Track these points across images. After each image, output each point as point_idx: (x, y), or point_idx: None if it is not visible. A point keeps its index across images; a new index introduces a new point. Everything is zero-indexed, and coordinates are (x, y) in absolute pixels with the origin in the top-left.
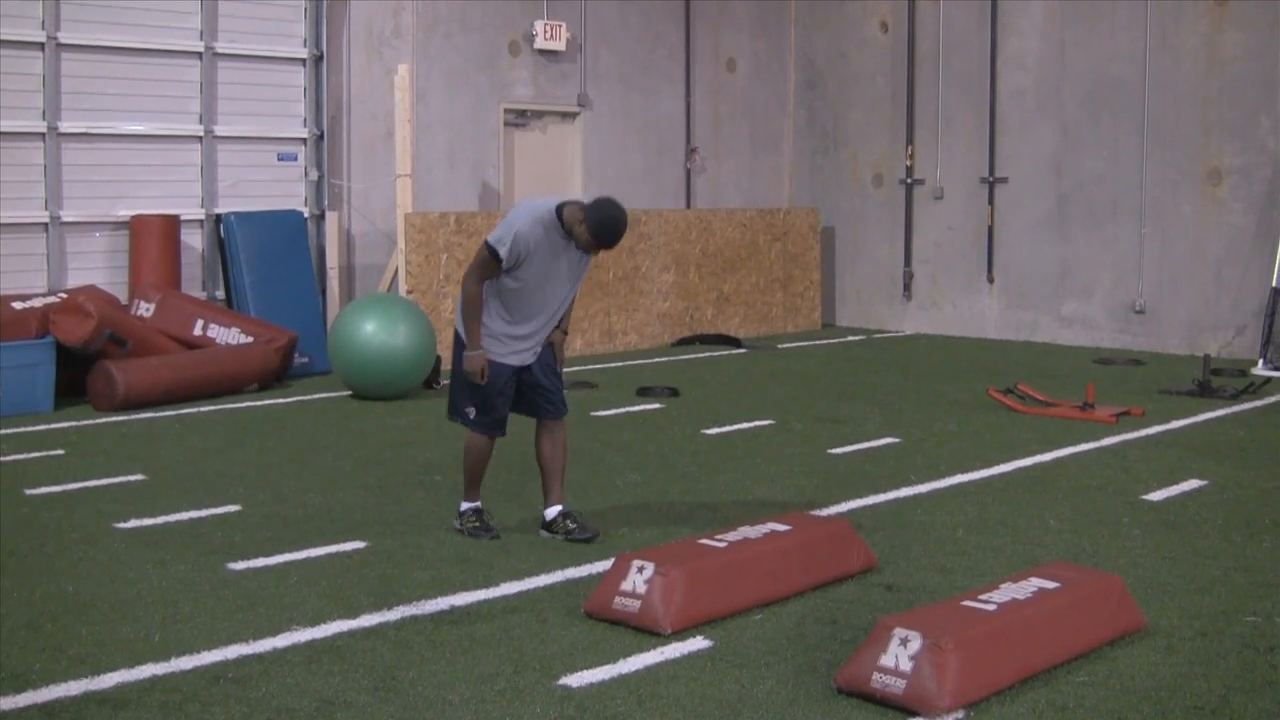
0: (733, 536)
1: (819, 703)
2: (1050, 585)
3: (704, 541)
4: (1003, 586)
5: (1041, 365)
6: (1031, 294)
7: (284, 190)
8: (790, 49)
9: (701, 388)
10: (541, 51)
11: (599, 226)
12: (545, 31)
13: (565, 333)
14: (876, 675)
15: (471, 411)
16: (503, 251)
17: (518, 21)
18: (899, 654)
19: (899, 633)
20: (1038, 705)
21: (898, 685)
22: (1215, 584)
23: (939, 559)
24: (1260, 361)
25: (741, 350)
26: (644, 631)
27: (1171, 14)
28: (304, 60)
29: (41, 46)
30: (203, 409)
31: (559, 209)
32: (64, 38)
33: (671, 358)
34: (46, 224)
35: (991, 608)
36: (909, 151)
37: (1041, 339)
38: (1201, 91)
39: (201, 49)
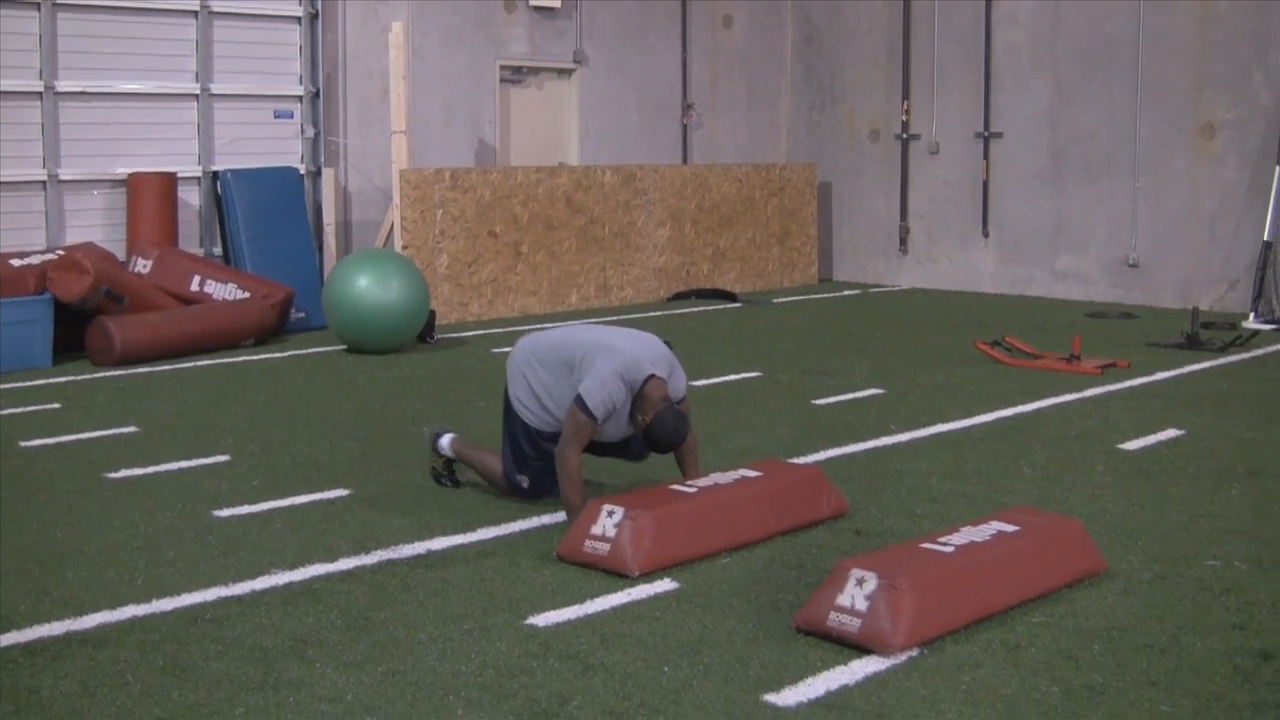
0: (703, 482)
1: (778, 641)
2: (1009, 529)
3: (674, 487)
4: (962, 530)
5: (1034, 319)
6: (1026, 248)
7: (281, 147)
8: (787, 5)
9: (693, 340)
10: (537, 8)
11: (653, 440)
12: None
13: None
14: (833, 615)
15: (524, 481)
16: (597, 414)
17: None
18: (855, 594)
19: (856, 573)
20: (991, 644)
21: (853, 624)
22: (1180, 530)
23: (910, 505)
24: (1251, 315)
25: (737, 305)
26: (613, 574)
27: None
28: (299, 18)
29: (38, 6)
30: (199, 363)
31: (648, 379)
32: None
33: (666, 312)
34: (45, 182)
35: (949, 550)
36: (905, 107)
37: (1036, 293)
38: (1195, 46)
39: (197, 7)
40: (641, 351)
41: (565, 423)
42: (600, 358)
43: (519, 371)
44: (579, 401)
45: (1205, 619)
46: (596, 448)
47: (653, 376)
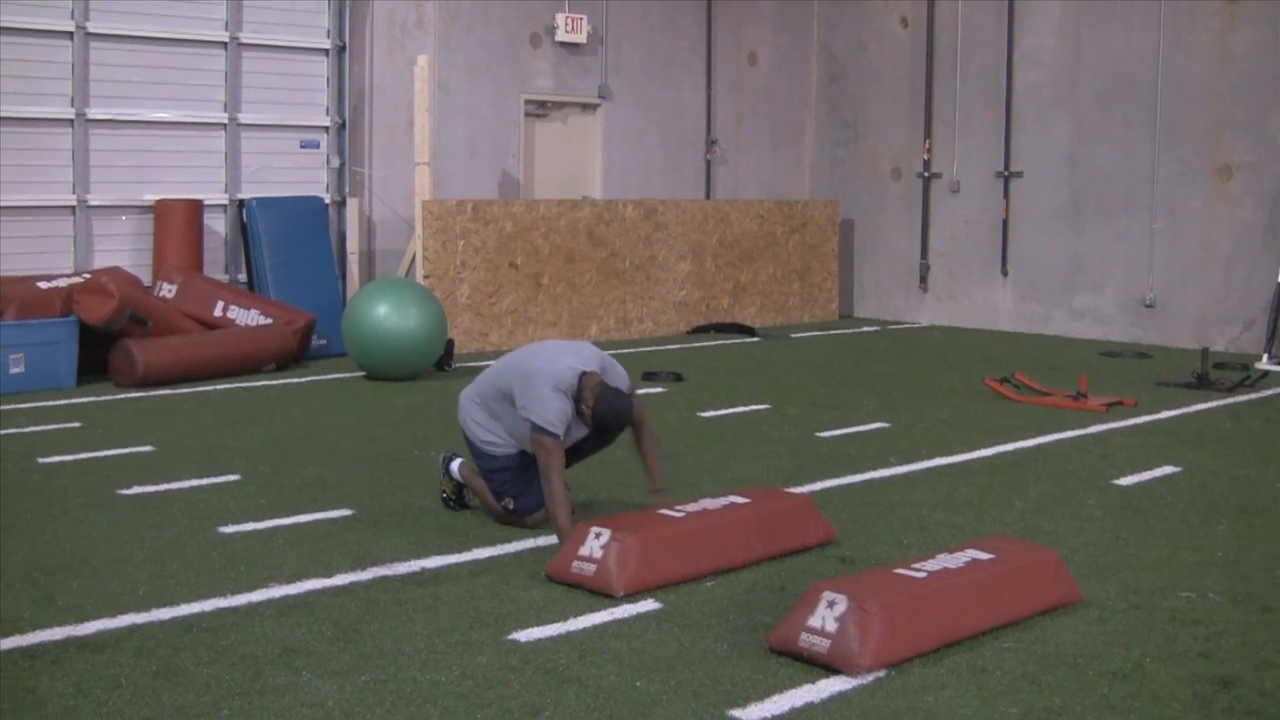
0: (692, 507)
1: (750, 660)
2: (984, 556)
3: (663, 511)
4: (938, 557)
5: (1050, 357)
6: (1044, 287)
7: (306, 177)
8: (813, 43)
9: (707, 373)
10: (563, 44)
11: (603, 420)
12: (566, 24)
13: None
14: (804, 635)
15: (511, 502)
16: (558, 430)
17: (539, 14)
18: (826, 615)
19: (827, 595)
20: (958, 667)
21: (823, 645)
22: (1161, 562)
23: (899, 534)
24: (1265, 356)
25: (755, 339)
26: (598, 594)
27: (1184, 11)
28: (327, 50)
29: (71, 35)
30: (219, 387)
31: (580, 376)
32: (92, 27)
33: (684, 345)
34: (74, 207)
35: (921, 575)
36: (927, 145)
37: (1054, 331)
38: (1213, 88)
39: (227, 39)
40: (564, 359)
41: (538, 454)
42: (533, 383)
43: (470, 417)
44: (537, 429)
45: (1172, 648)
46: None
47: (583, 374)
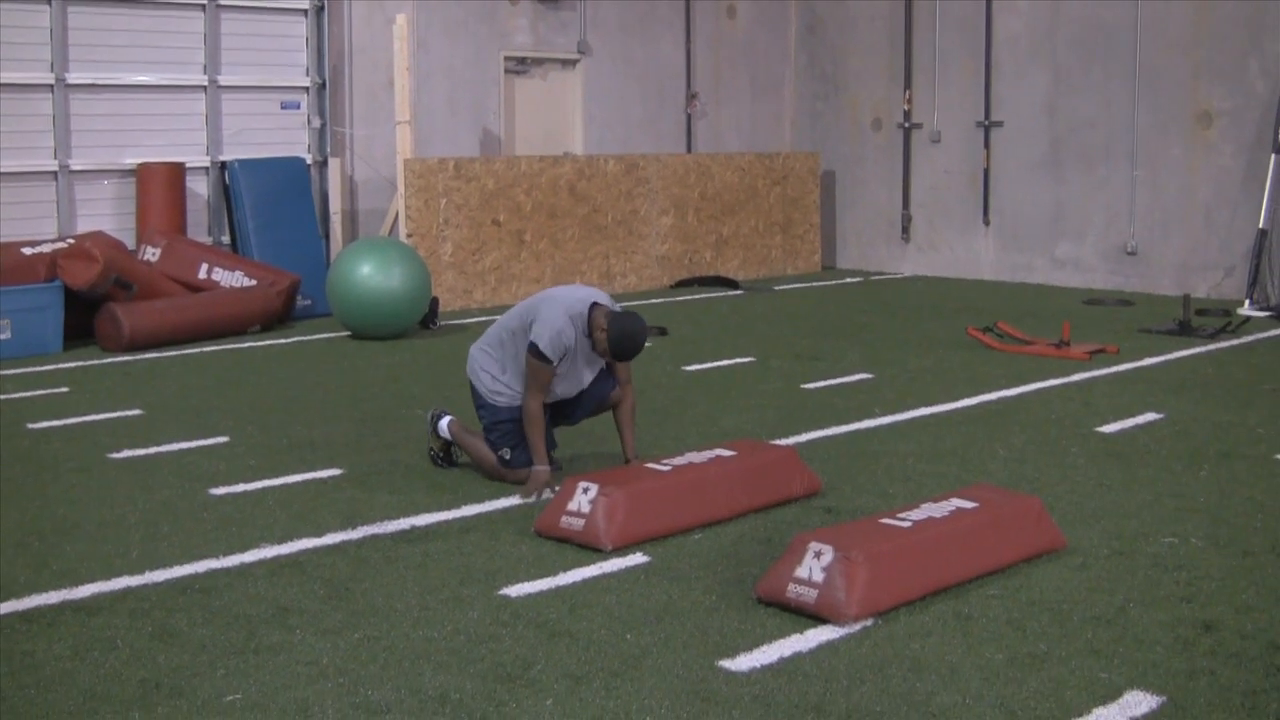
0: (678, 461)
1: (738, 611)
2: (968, 505)
3: (650, 466)
4: (923, 506)
5: (1032, 306)
6: (1026, 236)
7: (287, 138)
8: None
9: (692, 327)
10: (541, 0)
11: (619, 340)
12: None
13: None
14: (792, 586)
15: (507, 453)
16: (550, 354)
17: None
18: (812, 565)
19: (814, 546)
20: (944, 615)
21: (810, 595)
22: (1143, 509)
23: (883, 485)
24: (1246, 302)
25: (738, 292)
26: (587, 548)
27: None
28: (306, 11)
29: (49, 1)
30: (205, 349)
31: (591, 306)
32: None
33: (668, 299)
34: (56, 172)
35: (906, 525)
36: (907, 96)
37: (1036, 280)
38: (1191, 35)
39: (205, 1)
40: (577, 293)
41: (526, 371)
42: (548, 308)
43: (480, 366)
44: (532, 349)
45: (1154, 592)
46: (564, 413)
47: (594, 304)
